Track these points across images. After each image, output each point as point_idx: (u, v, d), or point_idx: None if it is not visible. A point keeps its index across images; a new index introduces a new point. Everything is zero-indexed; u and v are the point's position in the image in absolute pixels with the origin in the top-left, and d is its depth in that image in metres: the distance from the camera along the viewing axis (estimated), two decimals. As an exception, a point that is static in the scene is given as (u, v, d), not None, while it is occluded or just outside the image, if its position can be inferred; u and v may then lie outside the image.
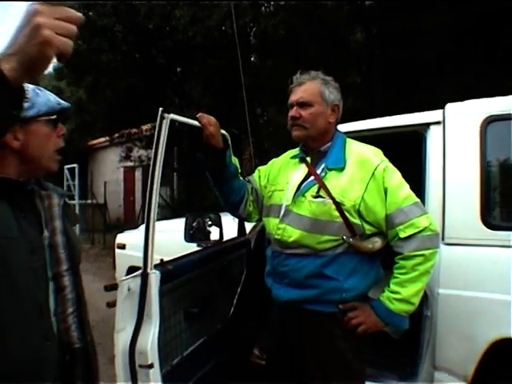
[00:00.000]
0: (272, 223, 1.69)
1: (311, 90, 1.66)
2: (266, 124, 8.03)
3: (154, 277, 1.55)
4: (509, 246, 1.80)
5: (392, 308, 1.52)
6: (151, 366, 1.52)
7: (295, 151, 1.83)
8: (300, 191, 1.63)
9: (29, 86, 1.04)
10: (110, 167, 13.78)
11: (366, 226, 1.56)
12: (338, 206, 1.54)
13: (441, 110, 2.08)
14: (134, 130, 8.97)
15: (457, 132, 2.01)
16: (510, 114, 1.90)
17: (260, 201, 1.85)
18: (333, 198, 1.54)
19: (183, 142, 7.84)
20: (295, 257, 1.60)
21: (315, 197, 1.57)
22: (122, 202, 13.87)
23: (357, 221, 1.55)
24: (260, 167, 1.95)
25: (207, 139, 1.66)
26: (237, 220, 2.60)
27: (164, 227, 3.42)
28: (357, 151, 1.64)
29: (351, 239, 1.54)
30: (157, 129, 1.52)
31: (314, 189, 1.59)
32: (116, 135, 9.49)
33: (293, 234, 1.59)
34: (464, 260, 1.90)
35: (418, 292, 1.52)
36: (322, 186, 1.58)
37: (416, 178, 2.02)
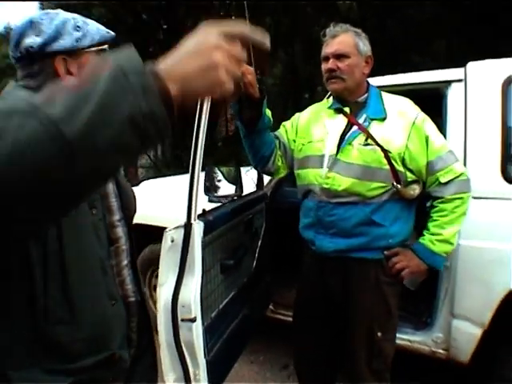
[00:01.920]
0: (313, 174, 1.71)
1: (347, 41, 1.67)
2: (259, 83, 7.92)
3: (198, 227, 1.54)
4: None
5: (434, 249, 1.62)
6: (194, 319, 1.49)
7: (324, 104, 1.85)
8: (346, 140, 1.65)
9: (75, 15, 0.98)
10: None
11: (408, 174, 1.63)
12: (386, 153, 1.60)
13: (462, 69, 2.11)
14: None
15: (478, 90, 2.05)
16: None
17: (288, 155, 1.87)
18: (380, 146, 1.59)
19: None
20: (343, 205, 1.64)
21: (365, 145, 1.62)
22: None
23: (401, 168, 1.62)
24: (284, 122, 1.96)
25: (246, 88, 1.60)
26: (251, 174, 2.60)
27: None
28: (394, 102, 1.70)
29: (399, 186, 1.61)
30: None
31: (362, 137, 1.63)
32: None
33: (343, 182, 1.62)
34: (485, 213, 1.97)
35: (456, 233, 1.65)
36: (369, 135, 1.62)
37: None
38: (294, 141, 1.85)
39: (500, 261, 1.90)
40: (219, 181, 2.50)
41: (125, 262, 1.06)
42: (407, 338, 2.19)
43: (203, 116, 1.48)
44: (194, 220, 1.53)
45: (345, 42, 1.67)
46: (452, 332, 2.04)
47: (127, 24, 7.14)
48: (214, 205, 1.99)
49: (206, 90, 0.54)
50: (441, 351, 2.10)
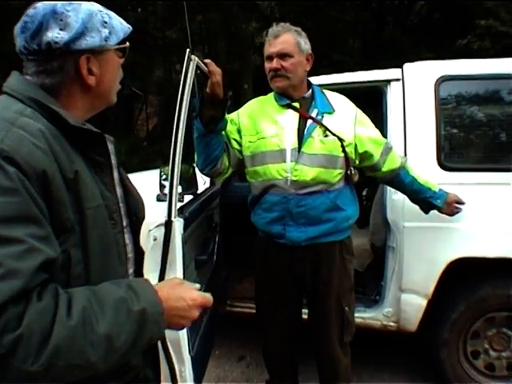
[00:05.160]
0: (275, 169, 1.75)
1: (289, 41, 1.76)
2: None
3: (178, 224, 1.56)
4: (459, 184, 2.17)
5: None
6: None
7: (267, 100, 1.90)
8: (307, 134, 1.75)
9: (95, 5, 0.88)
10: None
11: (356, 161, 1.84)
12: (341, 142, 1.75)
13: (399, 69, 2.35)
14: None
15: (414, 88, 2.29)
16: (458, 75, 2.28)
17: (232, 154, 1.87)
18: (337, 136, 1.74)
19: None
20: (311, 195, 1.74)
21: (325, 136, 1.74)
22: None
23: (352, 155, 1.80)
24: None
25: (213, 87, 1.62)
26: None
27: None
28: (336, 98, 1.87)
29: (352, 170, 1.79)
30: (183, 71, 1.48)
31: (319, 130, 1.75)
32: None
33: (310, 172, 1.72)
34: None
35: None
36: (325, 127, 1.75)
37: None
38: (236, 140, 1.86)
39: (439, 238, 2.16)
40: (165, 179, 2.50)
41: (130, 271, 1.00)
42: (360, 315, 2.37)
43: (181, 119, 1.50)
44: (175, 217, 1.55)
45: (287, 41, 1.75)
46: (401, 305, 2.27)
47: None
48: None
49: (176, 323, 0.86)
50: (391, 324, 2.33)
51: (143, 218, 1.07)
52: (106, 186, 0.89)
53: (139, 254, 1.06)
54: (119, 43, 0.91)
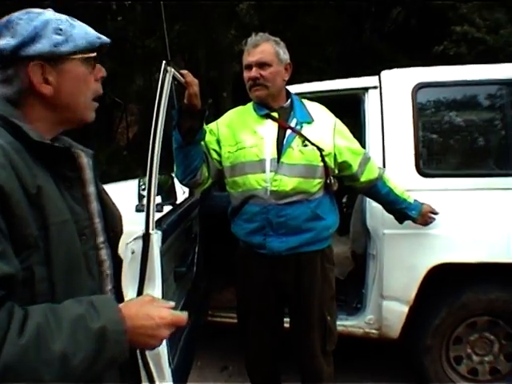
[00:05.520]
0: (255, 179, 1.74)
1: (268, 50, 1.76)
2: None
3: (156, 237, 1.52)
4: (438, 190, 2.19)
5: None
6: None
7: (245, 110, 1.90)
8: (286, 144, 1.75)
9: (61, 16, 0.87)
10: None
11: (335, 170, 1.85)
12: (321, 152, 1.75)
13: (377, 77, 2.36)
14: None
15: (392, 95, 2.31)
16: (435, 82, 2.31)
17: (211, 164, 1.85)
18: (316, 146, 1.74)
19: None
20: (291, 205, 1.73)
21: (304, 145, 1.74)
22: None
23: (332, 164, 1.80)
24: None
25: (190, 97, 1.59)
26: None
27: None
28: (314, 107, 1.88)
29: (332, 180, 1.80)
30: (159, 82, 1.45)
31: (298, 140, 1.75)
32: None
33: (289, 182, 1.72)
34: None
35: None
36: (304, 137, 1.75)
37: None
38: (215, 150, 1.84)
39: (420, 244, 2.17)
40: (144, 190, 2.46)
41: (108, 287, 0.97)
42: (342, 323, 2.35)
43: (158, 131, 1.47)
44: (153, 230, 1.52)
45: (266, 50, 1.76)
46: (383, 312, 2.26)
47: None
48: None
49: (146, 343, 0.84)
50: (373, 331, 2.32)
51: (121, 233, 1.06)
52: (76, 201, 0.87)
53: (118, 267, 1.03)
54: (84, 52, 0.88)
